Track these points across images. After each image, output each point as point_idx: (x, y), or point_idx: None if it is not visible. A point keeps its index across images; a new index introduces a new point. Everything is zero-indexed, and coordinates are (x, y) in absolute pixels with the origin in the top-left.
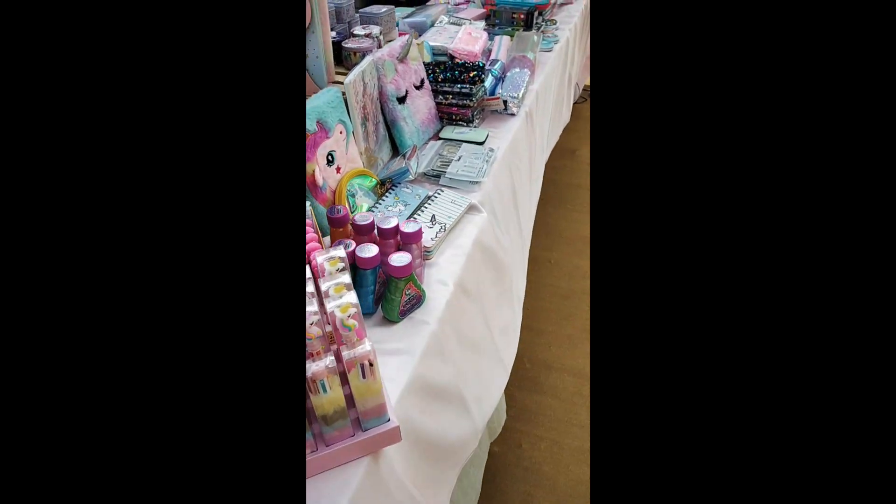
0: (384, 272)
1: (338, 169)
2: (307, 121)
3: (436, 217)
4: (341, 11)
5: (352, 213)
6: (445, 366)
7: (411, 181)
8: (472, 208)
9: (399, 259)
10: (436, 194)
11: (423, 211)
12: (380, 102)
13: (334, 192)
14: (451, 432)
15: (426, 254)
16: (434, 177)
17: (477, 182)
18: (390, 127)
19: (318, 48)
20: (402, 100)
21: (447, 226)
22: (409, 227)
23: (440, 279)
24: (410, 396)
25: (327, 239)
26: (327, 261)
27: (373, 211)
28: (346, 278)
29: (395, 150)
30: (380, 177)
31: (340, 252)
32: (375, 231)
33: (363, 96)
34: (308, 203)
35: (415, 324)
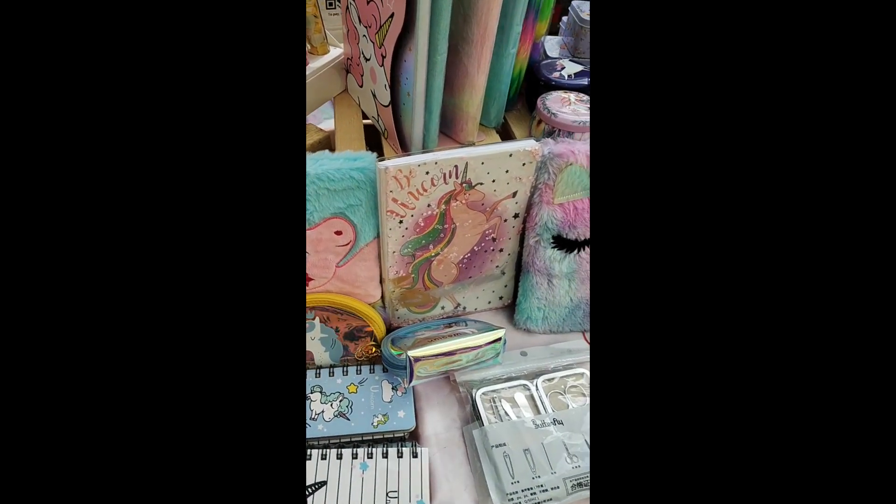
0: None
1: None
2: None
3: None
4: None
5: None
6: None
7: (414, 385)
8: None
9: None
10: (388, 454)
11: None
12: (531, 224)
13: None
14: None
15: None
16: (475, 421)
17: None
18: (524, 270)
19: (410, 81)
20: (571, 244)
21: None
22: None
23: None
24: None
25: None
26: None
27: None
28: None
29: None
30: (385, 340)
31: None
32: None
33: (447, 203)
34: None
35: None
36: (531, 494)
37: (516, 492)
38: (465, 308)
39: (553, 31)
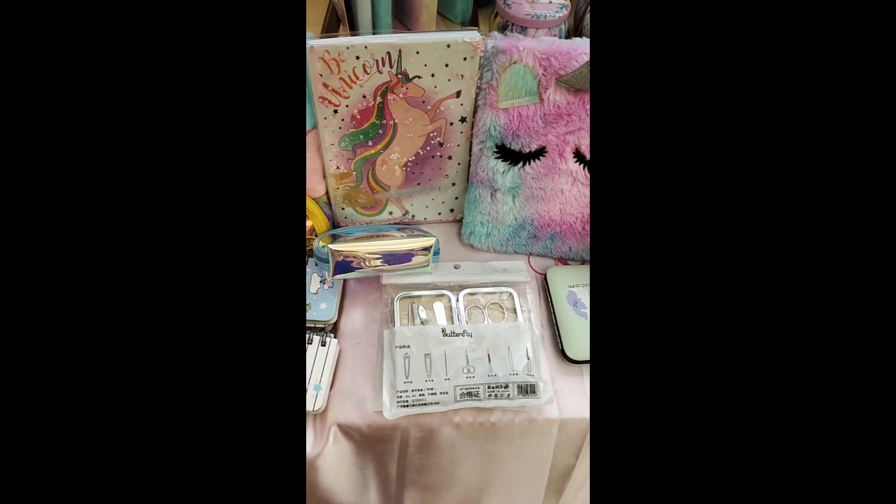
0: None
1: None
2: None
3: None
4: None
5: None
6: None
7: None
8: None
9: None
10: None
11: None
12: (472, 134)
13: None
14: None
15: None
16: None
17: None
18: (469, 180)
19: None
20: (516, 156)
21: None
22: None
23: None
24: None
25: None
26: None
27: None
28: None
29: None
30: (323, 235)
31: None
32: None
33: (384, 96)
34: None
35: None
36: (419, 395)
37: (406, 390)
38: (413, 216)
39: None
